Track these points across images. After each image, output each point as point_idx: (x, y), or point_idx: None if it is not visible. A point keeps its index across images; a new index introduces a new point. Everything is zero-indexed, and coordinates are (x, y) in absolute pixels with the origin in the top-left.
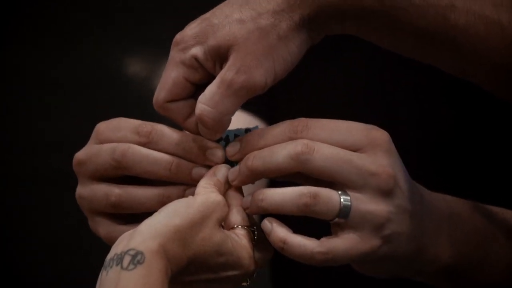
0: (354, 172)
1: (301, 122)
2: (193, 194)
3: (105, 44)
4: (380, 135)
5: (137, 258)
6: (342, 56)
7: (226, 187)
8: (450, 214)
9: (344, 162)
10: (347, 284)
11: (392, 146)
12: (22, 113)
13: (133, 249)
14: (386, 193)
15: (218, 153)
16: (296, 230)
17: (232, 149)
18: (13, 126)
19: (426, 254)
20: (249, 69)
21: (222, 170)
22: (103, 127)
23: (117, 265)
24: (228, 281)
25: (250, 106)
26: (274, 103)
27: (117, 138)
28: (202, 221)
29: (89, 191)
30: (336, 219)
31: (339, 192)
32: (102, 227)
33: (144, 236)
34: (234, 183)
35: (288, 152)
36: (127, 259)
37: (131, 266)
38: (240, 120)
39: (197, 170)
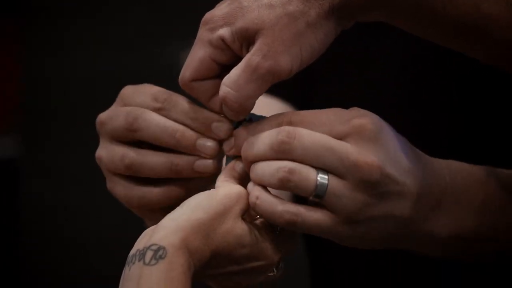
0: (336, 161)
1: (286, 117)
2: (203, 167)
3: (161, 40)
4: (364, 122)
5: (159, 253)
6: (370, 49)
7: (246, 180)
8: (453, 185)
9: (325, 150)
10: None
11: (379, 132)
12: (77, 110)
13: (155, 244)
14: (369, 183)
15: (224, 126)
16: None
17: (228, 145)
18: (74, 127)
19: (421, 231)
20: (275, 54)
21: (241, 164)
22: (128, 91)
23: (139, 260)
24: (253, 272)
25: (281, 90)
26: (306, 88)
27: (136, 102)
28: (224, 214)
29: (107, 151)
30: (311, 197)
31: (318, 171)
32: (118, 187)
33: (166, 231)
34: (230, 153)
35: (270, 141)
36: (149, 255)
37: (153, 262)
38: (269, 104)
39: (201, 142)
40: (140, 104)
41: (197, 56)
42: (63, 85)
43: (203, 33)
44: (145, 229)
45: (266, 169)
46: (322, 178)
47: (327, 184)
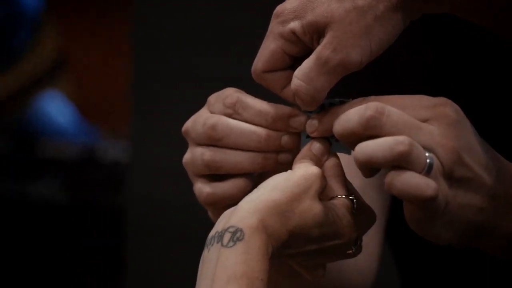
0: (423, 140)
1: (370, 100)
2: (285, 159)
3: None
4: (447, 109)
5: (236, 235)
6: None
7: (324, 159)
8: None
9: (414, 128)
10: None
11: (460, 121)
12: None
13: (232, 226)
14: (446, 166)
15: (301, 119)
16: None
17: (311, 126)
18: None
19: (498, 230)
20: (345, 48)
21: (317, 145)
22: (213, 97)
23: (217, 242)
24: (331, 251)
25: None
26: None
27: (214, 110)
28: (301, 194)
29: (190, 154)
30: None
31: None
32: (197, 188)
33: (243, 213)
34: (313, 134)
35: (359, 117)
36: (227, 237)
37: (231, 243)
38: None
39: (285, 139)
40: (215, 110)
41: (268, 49)
42: (170, 89)
43: (274, 26)
44: None
45: (380, 143)
46: (430, 156)
47: (434, 163)
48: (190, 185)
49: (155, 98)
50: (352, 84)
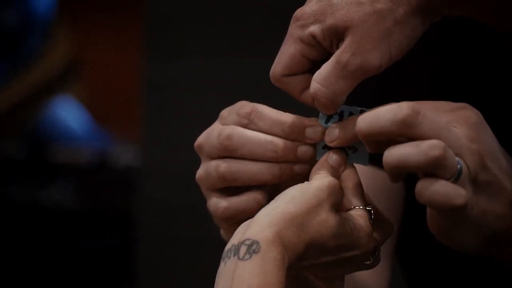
0: (452, 143)
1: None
2: (301, 170)
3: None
4: (468, 112)
5: (252, 248)
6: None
7: (341, 170)
8: None
9: (445, 130)
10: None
11: (481, 125)
12: (196, 118)
13: (249, 239)
14: (472, 170)
15: (317, 129)
16: None
17: (331, 135)
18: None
19: None
20: (364, 51)
21: (334, 156)
22: (225, 111)
23: (234, 255)
24: (350, 262)
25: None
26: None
27: (227, 121)
28: (318, 206)
29: (204, 169)
30: (451, 180)
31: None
32: (212, 203)
33: (259, 225)
34: (333, 144)
35: (394, 115)
36: (243, 249)
37: (247, 256)
38: None
39: (301, 150)
40: (229, 121)
41: (288, 52)
42: (181, 94)
43: (293, 30)
44: None
45: (414, 147)
46: (459, 161)
47: (463, 168)
48: (201, 190)
49: (166, 103)
50: (371, 87)
